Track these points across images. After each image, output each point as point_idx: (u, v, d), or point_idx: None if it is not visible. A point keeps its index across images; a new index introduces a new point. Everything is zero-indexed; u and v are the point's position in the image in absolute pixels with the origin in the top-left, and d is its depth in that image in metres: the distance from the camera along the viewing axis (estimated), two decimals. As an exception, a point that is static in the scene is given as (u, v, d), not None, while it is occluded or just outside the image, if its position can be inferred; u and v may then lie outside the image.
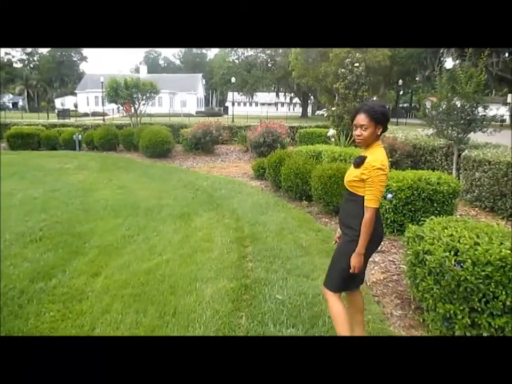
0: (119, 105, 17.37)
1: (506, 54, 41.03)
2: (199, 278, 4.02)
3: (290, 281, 3.94)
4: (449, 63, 53.04)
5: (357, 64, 16.69)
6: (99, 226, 5.72)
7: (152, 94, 17.33)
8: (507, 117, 38.23)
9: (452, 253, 2.98)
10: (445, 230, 3.28)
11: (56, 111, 39.24)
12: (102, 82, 30.72)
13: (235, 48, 61.63)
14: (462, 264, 2.88)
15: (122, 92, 16.21)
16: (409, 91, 65.43)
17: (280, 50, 57.62)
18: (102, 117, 34.24)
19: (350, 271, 2.57)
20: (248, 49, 60.31)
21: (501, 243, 3.01)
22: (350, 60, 16.98)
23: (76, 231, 5.46)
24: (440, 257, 2.97)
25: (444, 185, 5.50)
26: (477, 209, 7.17)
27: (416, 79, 56.59)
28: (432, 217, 3.74)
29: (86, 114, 44.00)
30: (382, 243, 5.24)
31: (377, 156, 2.53)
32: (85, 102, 57.59)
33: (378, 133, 2.57)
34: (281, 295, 3.64)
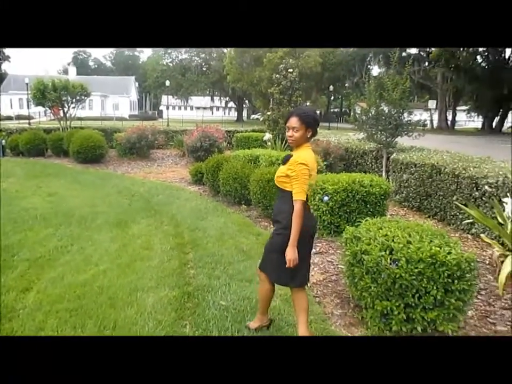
0: (47, 108, 16.47)
1: (426, 63, 44.05)
2: (140, 287, 3.89)
3: (233, 287, 3.93)
4: (375, 70, 55.90)
5: (290, 70, 17.09)
6: (28, 237, 5.36)
7: (83, 97, 16.62)
8: (428, 122, 40.92)
9: (387, 252, 3.13)
10: (380, 230, 3.45)
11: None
12: (27, 84, 28.89)
13: (169, 51, 60.76)
14: (397, 262, 3.04)
15: (50, 94, 15.36)
16: (339, 97, 68.22)
17: (215, 54, 57.65)
18: (27, 121, 32.23)
19: (286, 265, 2.72)
20: (182, 52, 59.71)
21: (431, 241, 3.22)
22: (284, 65, 17.37)
23: (2, 243, 5.07)
24: (376, 257, 3.11)
25: (376, 187, 5.77)
26: (405, 209, 7.60)
27: (346, 85, 59.10)
28: (368, 218, 3.92)
29: (9, 118, 41.16)
30: (320, 244, 5.45)
31: (302, 154, 2.80)
32: (8, 105, 53.91)
33: (308, 136, 2.84)
34: (224, 301, 3.62)
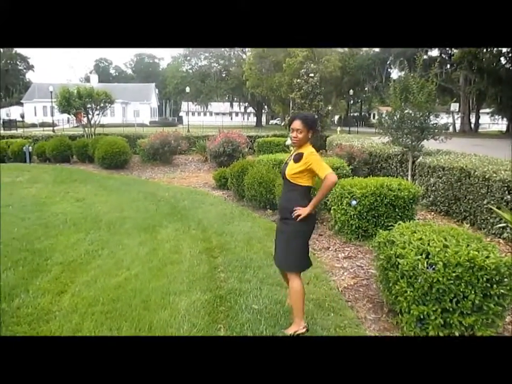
0: (71, 116, 16.83)
1: (448, 66, 43.43)
2: (172, 291, 3.93)
3: (265, 291, 3.94)
4: (395, 74, 55.40)
5: (311, 75, 17.14)
6: (60, 241, 5.48)
7: (107, 104, 16.94)
8: (450, 125, 40.22)
9: (424, 255, 3.09)
10: (414, 234, 3.41)
11: (1, 121, 37.34)
12: (51, 92, 29.61)
13: (188, 58, 61.41)
14: (434, 266, 3.00)
15: (75, 101, 15.71)
16: (359, 101, 67.69)
17: (234, 60, 58.03)
18: (51, 128, 32.97)
19: (295, 214, 3.10)
20: (202, 58, 60.27)
21: (468, 245, 3.16)
22: (305, 70, 17.42)
23: (35, 247, 5.19)
24: (412, 261, 3.07)
25: (405, 191, 5.71)
26: (433, 213, 7.49)
27: (365, 89, 58.66)
28: (400, 222, 3.88)
29: (33, 125, 42.16)
30: (348, 249, 5.41)
31: (308, 149, 3.18)
32: (32, 112, 55.26)
33: (310, 136, 3.21)
34: (257, 305, 3.63)
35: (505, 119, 45.81)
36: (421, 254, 3.12)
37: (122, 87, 61.39)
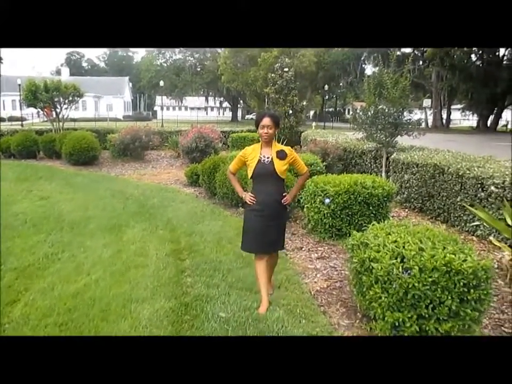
0: (39, 110, 16.19)
1: (421, 62, 44.02)
2: (134, 298, 3.67)
3: (233, 296, 3.71)
4: (369, 70, 55.91)
5: (286, 69, 16.94)
6: (17, 244, 5.13)
7: (75, 98, 16.34)
8: (423, 121, 40.87)
9: (399, 259, 2.94)
10: (389, 236, 3.25)
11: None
12: (20, 85, 28.48)
13: (162, 51, 60.38)
14: (409, 271, 2.84)
15: (42, 95, 15.08)
16: (334, 96, 68.05)
17: (209, 54, 57.36)
18: (19, 122, 31.80)
19: (286, 201, 3.59)
20: (176, 52, 59.37)
21: (444, 247, 3.02)
22: (279, 64, 17.20)
23: (-12, 251, 4.85)
24: (387, 265, 2.91)
25: (379, 188, 5.59)
26: (407, 210, 7.42)
27: (340, 84, 58.97)
28: (374, 222, 3.72)
29: (1, 119, 40.69)
30: (321, 249, 5.25)
31: (282, 146, 3.60)
32: (1, 106, 53.30)
33: (276, 132, 3.57)
34: (224, 313, 3.40)
35: (475, 115, 46.78)
36: (396, 258, 2.97)
37: (94, 81, 59.93)
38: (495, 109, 41.69)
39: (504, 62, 40.35)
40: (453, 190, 6.19)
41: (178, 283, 4.02)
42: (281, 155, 3.48)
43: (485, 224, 5.23)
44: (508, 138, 28.64)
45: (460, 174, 6.01)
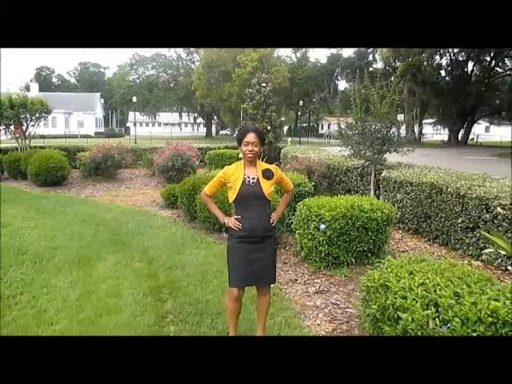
0: (2, 127, 15.22)
1: (392, 78, 44.75)
2: (106, 357, 3.02)
3: (226, 349, 3.12)
4: (342, 85, 56.67)
5: (264, 84, 16.55)
6: (-35, 286, 4.39)
7: (43, 114, 15.44)
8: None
9: (433, 309, 2.42)
10: (414, 278, 2.74)
11: None
12: (-18, 102, 27.18)
13: (135, 67, 59.73)
14: (448, 324, 2.33)
15: (6, 111, 14.16)
16: (307, 111, 68.59)
17: (182, 70, 57.03)
18: (-17, 140, 30.31)
19: (274, 220, 3.19)
20: (149, 67, 58.83)
21: (482, 291, 2.53)
22: (256, 80, 16.81)
23: None
24: (420, 317, 2.39)
25: (377, 211, 5.13)
26: (400, 231, 6.98)
27: (314, 100, 59.49)
28: (389, 257, 3.21)
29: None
30: (318, 281, 4.72)
31: (266, 165, 3.21)
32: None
33: (261, 150, 3.14)
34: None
35: (446, 129, 47.72)
36: (428, 307, 2.45)
37: (65, 97, 58.53)
38: (465, 123, 42.61)
39: (473, 78, 41.45)
40: (453, 211, 5.78)
41: (159, 333, 3.38)
42: (268, 174, 3.10)
43: (503, 252, 4.79)
44: (479, 151, 29.17)
45: (461, 194, 5.61)
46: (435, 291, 2.53)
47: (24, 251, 5.59)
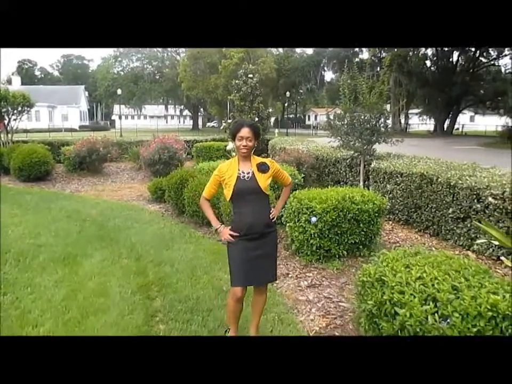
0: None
1: (378, 68, 44.80)
2: (93, 359, 2.91)
3: (218, 348, 3.03)
4: (328, 76, 56.60)
5: (251, 75, 16.40)
6: None
7: (25, 108, 15.06)
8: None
9: (431, 304, 2.35)
10: (410, 271, 2.66)
11: None
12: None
13: (119, 59, 58.84)
14: (448, 319, 2.26)
15: (-14, 105, 13.78)
16: (294, 103, 68.40)
17: (168, 62, 56.35)
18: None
19: (274, 216, 3.10)
20: (134, 60, 57.99)
21: (481, 284, 2.47)
22: (243, 71, 16.64)
23: None
24: (419, 312, 2.31)
25: (369, 203, 5.07)
26: (391, 222, 6.95)
27: (300, 91, 59.33)
28: (384, 251, 3.14)
29: None
30: (310, 274, 4.65)
31: (261, 159, 3.11)
32: None
33: (256, 144, 3.03)
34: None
35: (432, 119, 48.01)
36: (427, 302, 2.38)
37: (48, 90, 57.34)
38: (451, 113, 42.89)
39: (458, 68, 41.65)
40: (444, 201, 5.75)
41: (148, 333, 3.27)
42: (263, 168, 3.01)
43: (496, 243, 4.75)
44: (465, 141, 29.39)
45: (452, 184, 5.57)
46: (433, 285, 2.46)
47: (7, 249, 5.41)
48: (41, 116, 50.31)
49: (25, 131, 25.75)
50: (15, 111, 14.74)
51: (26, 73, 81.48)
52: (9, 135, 14.87)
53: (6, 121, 14.67)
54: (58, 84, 75.98)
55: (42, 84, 72.12)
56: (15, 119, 14.85)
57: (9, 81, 61.51)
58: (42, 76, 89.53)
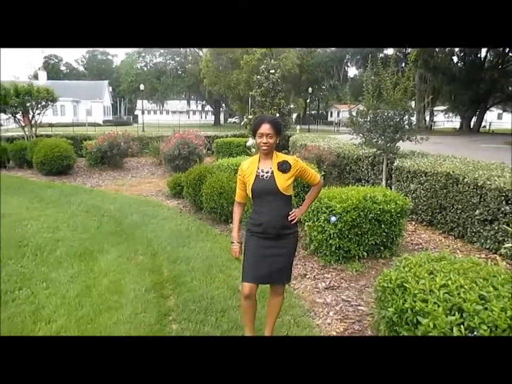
0: (11, 115, 15.07)
1: (404, 64, 43.99)
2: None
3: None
4: (352, 72, 55.86)
5: (272, 71, 16.18)
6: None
7: (49, 102, 15.27)
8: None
9: (457, 315, 2.19)
10: (435, 278, 2.51)
11: None
12: (-10, 90, 27.08)
13: (143, 54, 59.34)
14: (475, 331, 2.11)
15: (12, 99, 14.00)
16: (316, 99, 67.77)
17: (190, 57, 56.56)
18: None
19: (294, 218, 2.93)
20: (157, 55, 58.43)
21: (511, 294, 2.30)
22: (265, 66, 16.45)
23: None
24: (443, 324, 2.17)
25: (391, 203, 4.89)
26: (414, 223, 6.73)
27: (323, 87, 58.70)
28: (407, 255, 2.99)
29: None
30: (328, 276, 4.51)
31: (285, 156, 2.93)
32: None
33: (277, 141, 2.89)
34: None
35: (458, 116, 46.86)
36: (452, 312, 2.23)
37: (73, 85, 58.27)
38: (478, 110, 41.77)
39: (486, 64, 40.51)
40: (470, 202, 5.52)
41: (160, 333, 3.20)
42: (284, 167, 2.84)
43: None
44: (492, 139, 28.56)
45: (479, 184, 5.34)
46: (458, 294, 2.31)
47: (25, 243, 5.46)
48: (66, 110, 51.22)
49: (50, 125, 26.14)
50: (39, 106, 14.97)
51: (53, 68, 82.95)
52: (33, 129, 15.11)
53: (30, 116, 14.91)
54: (83, 79, 77.07)
55: (67, 79, 73.28)
56: (39, 113, 15.08)
57: (35, 76, 62.79)
58: (68, 71, 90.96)
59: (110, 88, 67.17)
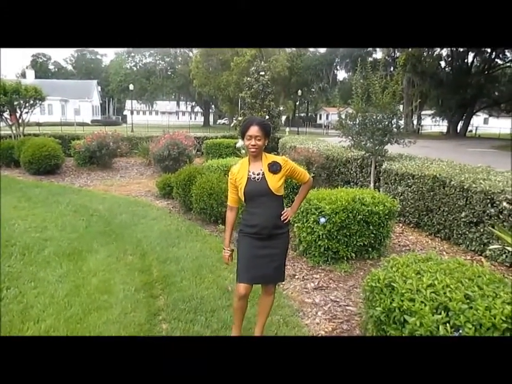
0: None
1: (392, 68, 44.39)
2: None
3: (221, 350, 2.96)
4: (341, 75, 56.23)
5: (262, 73, 16.26)
6: None
7: (37, 101, 15.12)
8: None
9: (443, 313, 2.25)
10: (422, 278, 2.56)
11: None
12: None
13: (132, 54, 59.07)
14: (460, 330, 2.16)
15: (-1, 98, 13.83)
16: (306, 101, 68.06)
17: (180, 58, 56.45)
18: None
19: (286, 217, 2.97)
20: (146, 55, 58.19)
21: (495, 294, 2.36)
22: (255, 68, 16.52)
23: None
24: (430, 321, 2.22)
25: (379, 205, 4.96)
26: (401, 225, 6.81)
27: (312, 90, 59.00)
28: (394, 255, 3.04)
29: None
30: (317, 276, 4.56)
31: (274, 157, 2.96)
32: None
33: (266, 143, 2.89)
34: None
35: (445, 120, 47.41)
36: (438, 311, 2.28)
37: (61, 84, 57.67)
38: (464, 114, 42.32)
39: (473, 69, 41.09)
40: (456, 205, 5.61)
41: (150, 332, 3.21)
42: (274, 168, 2.86)
43: (507, 248, 4.62)
44: (478, 143, 29.00)
45: (465, 187, 5.43)
46: (445, 293, 2.37)
47: (12, 242, 5.40)
48: (54, 109, 50.68)
49: (38, 124, 25.90)
50: (27, 104, 14.81)
51: (41, 67, 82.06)
52: (21, 128, 14.94)
53: (18, 114, 14.75)
54: (71, 78, 76.35)
55: (55, 78, 72.53)
56: (26, 112, 14.92)
57: (23, 75, 62.08)
58: (56, 69, 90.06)
59: (99, 87, 66.65)
